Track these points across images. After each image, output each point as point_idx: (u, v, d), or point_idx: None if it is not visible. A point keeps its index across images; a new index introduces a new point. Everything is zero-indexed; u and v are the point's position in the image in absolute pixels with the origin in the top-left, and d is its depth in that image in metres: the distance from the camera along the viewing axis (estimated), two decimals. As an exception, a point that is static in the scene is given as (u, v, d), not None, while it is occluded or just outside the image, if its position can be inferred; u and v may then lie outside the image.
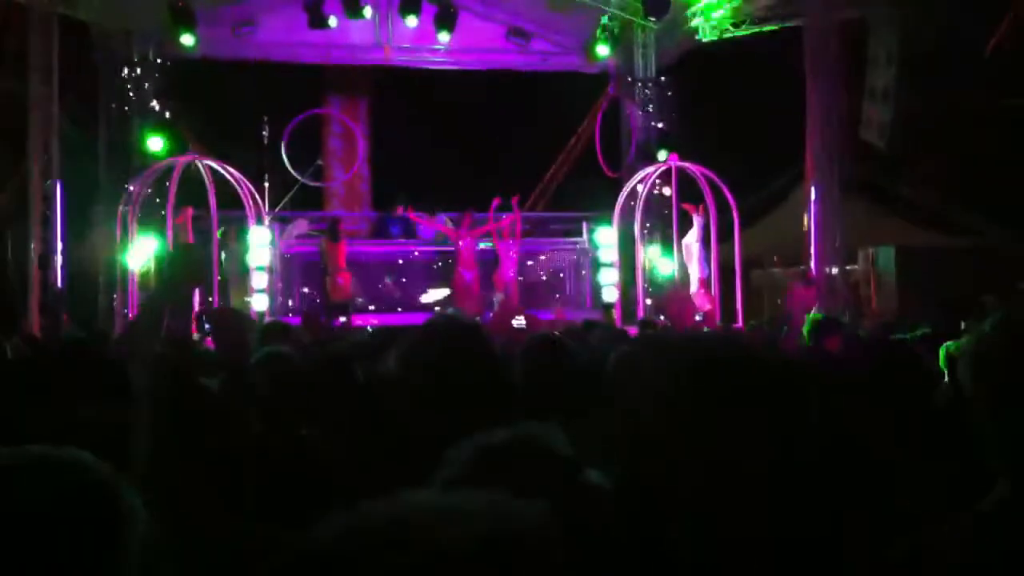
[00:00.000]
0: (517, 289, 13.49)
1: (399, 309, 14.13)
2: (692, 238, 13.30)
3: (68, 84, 13.61)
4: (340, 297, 13.11)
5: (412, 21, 14.88)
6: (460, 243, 13.43)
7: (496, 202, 13.60)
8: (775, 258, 14.45)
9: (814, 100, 13.94)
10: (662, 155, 14.27)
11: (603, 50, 15.44)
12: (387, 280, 14.60)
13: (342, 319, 12.63)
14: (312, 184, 15.79)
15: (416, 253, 15.15)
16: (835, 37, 14.10)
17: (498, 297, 13.29)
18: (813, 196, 13.04)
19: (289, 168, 14.82)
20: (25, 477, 1.33)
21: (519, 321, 12.13)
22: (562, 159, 17.33)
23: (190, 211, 13.30)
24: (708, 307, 12.83)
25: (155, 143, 14.71)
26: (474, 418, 2.33)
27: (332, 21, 14.76)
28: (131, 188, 13.62)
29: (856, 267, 13.31)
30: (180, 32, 14.01)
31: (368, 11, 14.84)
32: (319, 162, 15.94)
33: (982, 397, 2.19)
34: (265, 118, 14.86)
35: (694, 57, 15.63)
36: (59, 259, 12.96)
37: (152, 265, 13.75)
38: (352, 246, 14.22)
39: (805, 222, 12.83)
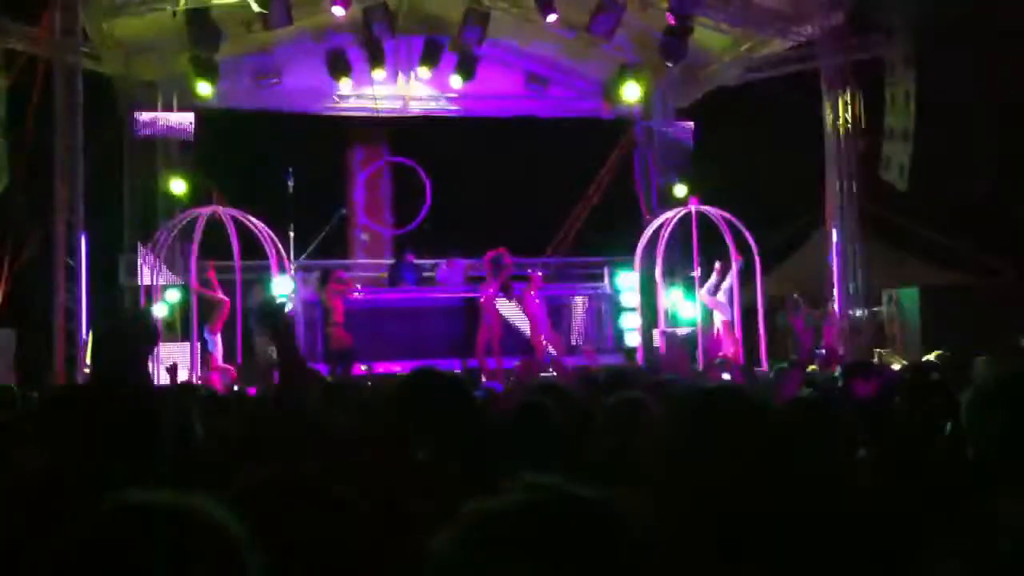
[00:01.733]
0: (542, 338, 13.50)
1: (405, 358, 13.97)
2: (713, 282, 13.34)
3: (93, 135, 13.79)
4: (339, 347, 13.11)
5: (426, 73, 15.11)
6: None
7: (490, 254, 13.63)
8: (796, 298, 14.41)
9: (832, 141, 14.03)
10: (680, 193, 14.35)
11: (631, 93, 15.54)
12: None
13: (340, 368, 12.68)
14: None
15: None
16: (851, 78, 14.22)
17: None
18: (834, 238, 13.07)
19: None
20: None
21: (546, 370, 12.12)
22: (583, 204, 17.40)
23: (212, 266, 13.43)
24: (732, 350, 12.81)
25: (178, 185, 14.92)
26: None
27: (351, 72, 14.99)
28: (156, 238, 13.77)
29: (881, 308, 13.28)
30: (198, 82, 14.17)
31: (388, 59, 15.05)
32: (343, 211, 16.07)
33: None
34: (290, 168, 15.02)
35: (712, 100, 15.75)
36: (83, 310, 13.04)
37: (177, 314, 13.90)
38: (373, 295, 14.36)
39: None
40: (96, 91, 14.13)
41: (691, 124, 15.76)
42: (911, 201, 14.22)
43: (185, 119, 14.96)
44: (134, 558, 1.34)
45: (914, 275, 14.31)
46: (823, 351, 12.19)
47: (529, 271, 14.00)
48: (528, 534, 1.28)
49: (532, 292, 13.49)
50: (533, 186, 16.62)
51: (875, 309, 13.27)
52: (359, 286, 14.57)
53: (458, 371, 9.67)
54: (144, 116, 14.87)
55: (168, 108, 15.14)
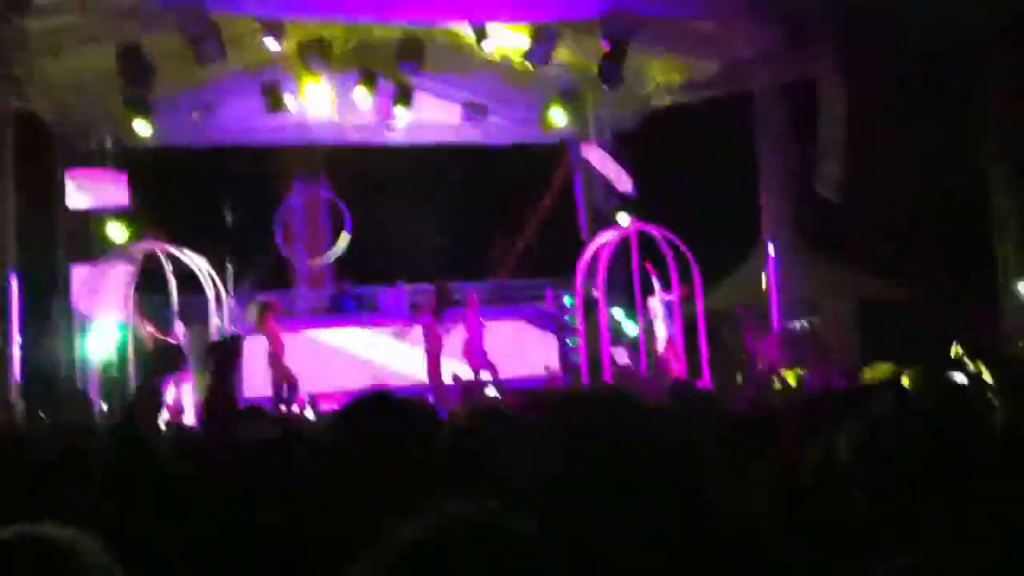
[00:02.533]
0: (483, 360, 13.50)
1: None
2: (658, 299, 13.43)
3: (24, 176, 13.57)
4: (281, 377, 12.97)
5: (365, 99, 15.08)
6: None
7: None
8: (740, 312, 14.49)
9: (765, 160, 14.20)
10: (622, 219, 14.42)
11: (558, 118, 15.70)
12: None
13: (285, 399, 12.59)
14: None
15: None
16: (782, 99, 14.42)
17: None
18: (771, 252, 13.19)
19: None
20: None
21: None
22: (524, 228, 17.45)
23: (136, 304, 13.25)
24: (676, 366, 12.84)
25: (116, 232, 14.70)
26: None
27: (287, 104, 14.93)
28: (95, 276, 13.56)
29: (816, 320, 13.39)
30: (134, 120, 14.03)
31: (324, 90, 15.04)
32: (277, 241, 15.99)
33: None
34: (228, 201, 14.90)
35: (648, 122, 15.88)
36: (16, 352, 12.77)
37: (115, 355, 13.65)
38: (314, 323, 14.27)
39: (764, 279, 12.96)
40: (27, 132, 13.93)
41: (626, 172, 15.75)
42: (849, 214, 14.38)
43: (120, 183, 14.62)
44: None
45: (852, 287, 14.45)
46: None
47: (467, 294, 14.04)
48: (439, 562, 1.29)
49: (470, 313, 13.52)
50: (474, 212, 16.67)
51: (811, 320, 13.37)
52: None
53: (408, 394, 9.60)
54: (76, 180, 14.52)
55: (101, 148, 14.93)
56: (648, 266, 13.43)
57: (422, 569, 1.28)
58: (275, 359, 13.09)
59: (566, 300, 14.39)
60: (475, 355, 13.46)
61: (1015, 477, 2.42)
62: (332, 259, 16.41)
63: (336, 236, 16.49)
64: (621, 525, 2.03)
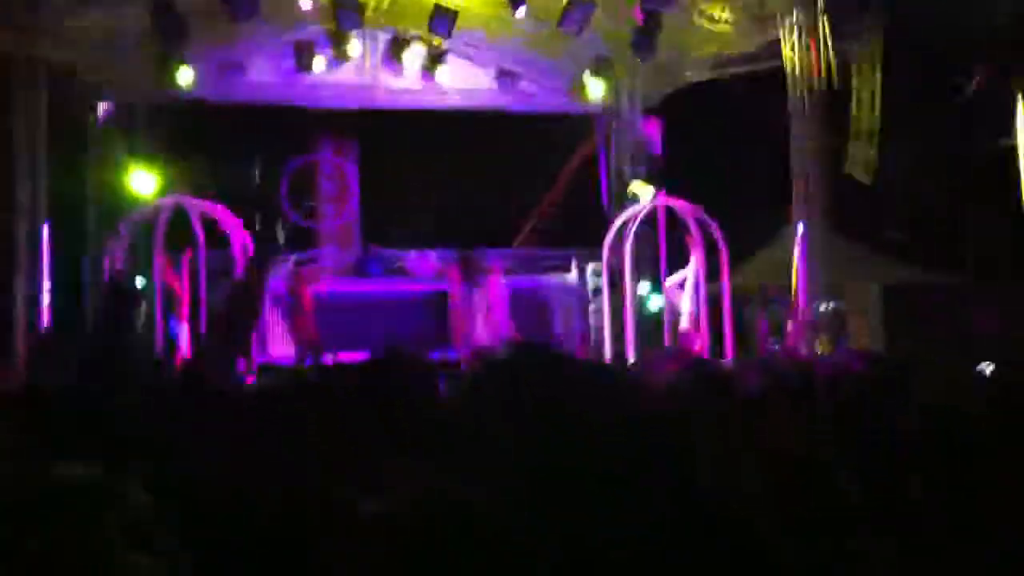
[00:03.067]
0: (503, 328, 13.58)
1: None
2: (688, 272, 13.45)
3: (56, 131, 13.64)
4: (307, 337, 13.16)
5: (396, 61, 15.03)
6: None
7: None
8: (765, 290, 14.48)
9: (797, 138, 14.12)
10: (648, 192, 14.40)
11: (594, 89, 15.62)
12: None
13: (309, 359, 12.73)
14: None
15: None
16: (817, 75, 14.29)
17: None
18: (799, 232, 13.16)
19: (289, 211, 14.84)
20: None
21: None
22: (550, 197, 17.43)
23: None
24: (698, 343, 12.85)
25: (144, 184, 14.74)
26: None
27: (319, 64, 14.91)
28: (119, 232, 13.63)
29: (842, 304, 13.37)
30: (173, 71, 14.03)
31: (356, 51, 15.01)
32: (311, 203, 16.02)
33: None
34: (256, 158, 14.93)
35: (681, 95, 15.79)
36: (45, 301, 12.91)
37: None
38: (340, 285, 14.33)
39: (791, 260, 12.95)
40: (57, 87, 13.97)
41: (656, 122, 15.76)
42: (878, 198, 14.33)
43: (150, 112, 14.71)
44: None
45: (877, 272, 14.41)
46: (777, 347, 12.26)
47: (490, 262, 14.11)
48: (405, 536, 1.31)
49: (492, 281, 13.61)
50: (501, 179, 16.65)
51: (836, 305, 13.35)
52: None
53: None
54: (106, 105, 14.63)
55: (132, 102, 14.94)
56: (688, 240, 13.37)
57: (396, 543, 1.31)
58: (300, 321, 13.24)
59: (591, 272, 14.40)
60: (495, 323, 13.52)
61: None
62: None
63: (364, 197, 16.52)
64: (602, 506, 2.03)
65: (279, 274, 14.50)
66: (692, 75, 15.35)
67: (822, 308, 12.81)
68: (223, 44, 15.10)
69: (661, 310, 13.91)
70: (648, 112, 16.13)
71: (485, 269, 13.84)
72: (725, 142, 15.35)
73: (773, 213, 15.10)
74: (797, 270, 13.03)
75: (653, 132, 15.62)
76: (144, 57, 14.29)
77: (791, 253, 13.26)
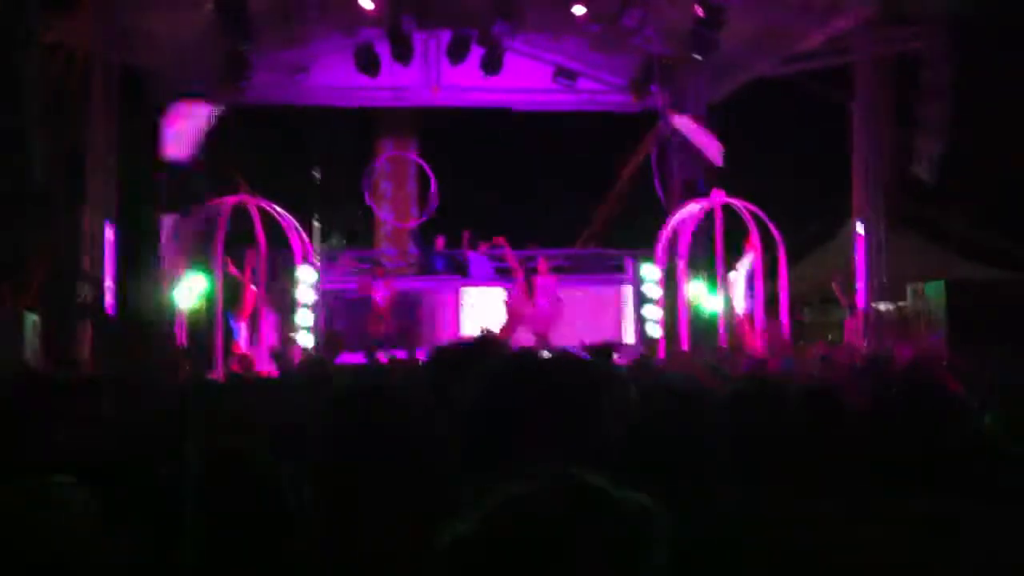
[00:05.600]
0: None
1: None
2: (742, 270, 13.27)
3: (125, 128, 13.99)
4: (378, 335, 13.32)
5: (454, 65, 15.12)
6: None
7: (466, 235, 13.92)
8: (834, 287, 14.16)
9: (861, 134, 13.82)
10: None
11: (652, 87, 15.50)
12: None
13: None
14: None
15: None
16: (884, 71, 13.99)
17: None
18: (860, 231, 12.87)
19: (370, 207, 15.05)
20: None
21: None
22: (609, 197, 17.31)
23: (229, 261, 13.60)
24: (755, 342, 12.64)
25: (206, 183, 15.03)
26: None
27: (380, 65, 15.05)
28: (182, 228, 13.91)
29: (906, 303, 13.01)
30: (231, 75, 14.31)
31: (416, 52, 15.13)
32: (371, 202, 16.21)
33: None
34: (317, 159, 15.14)
35: (742, 93, 15.57)
36: (109, 299, 13.24)
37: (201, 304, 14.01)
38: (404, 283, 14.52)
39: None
40: (128, 84, 14.33)
41: (716, 144, 15.43)
42: (942, 194, 13.95)
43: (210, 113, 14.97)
44: None
45: (942, 269, 14.01)
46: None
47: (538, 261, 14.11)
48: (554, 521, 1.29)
49: (540, 280, 13.62)
50: (559, 179, 16.63)
51: (900, 304, 13.00)
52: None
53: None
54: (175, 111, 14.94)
55: (198, 101, 15.22)
56: (750, 244, 13.18)
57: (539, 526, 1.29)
58: (375, 318, 13.49)
59: (647, 271, 14.25)
60: (542, 322, 13.51)
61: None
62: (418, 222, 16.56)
63: (423, 198, 16.63)
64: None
65: (345, 274, 14.72)
66: (753, 72, 15.11)
67: (883, 307, 12.48)
68: (286, 46, 15.35)
69: (717, 311, 13.70)
70: (711, 109, 15.92)
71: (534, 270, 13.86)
72: (790, 138, 15.08)
73: (832, 210, 14.80)
74: (856, 268, 12.75)
75: (708, 137, 15.38)
76: (212, 59, 14.54)
77: (850, 251, 12.98)
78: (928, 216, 14.45)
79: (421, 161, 16.70)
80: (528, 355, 2.63)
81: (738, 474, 2.52)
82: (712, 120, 15.81)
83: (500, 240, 14.23)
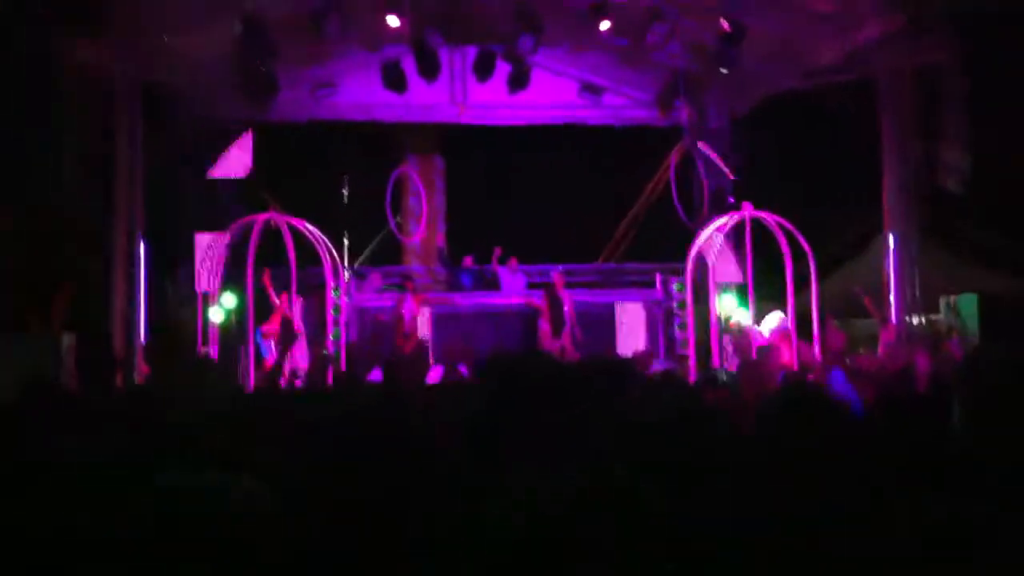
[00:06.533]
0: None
1: None
2: None
3: (153, 147, 14.09)
4: (409, 353, 13.43)
5: (479, 82, 15.18)
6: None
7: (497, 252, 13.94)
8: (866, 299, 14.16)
9: (889, 147, 13.83)
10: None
11: (677, 102, 15.56)
12: None
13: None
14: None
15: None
16: (908, 83, 14.00)
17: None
18: (891, 244, 12.87)
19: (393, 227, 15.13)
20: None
21: None
22: (635, 212, 17.35)
23: (267, 272, 13.65)
24: (788, 355, 12.62)
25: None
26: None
27: (406, 81, 15.11)
28: (212, 245, 13.97)
29: (939, 316, 13.00)
30: (255, 93, 14.39)
31: (442, 68, 15.19)
32: (397, 219, 16.24)
33: None
34: (344, 177, 15.21)
35: (767, 107, 15.60)
36: (142, 314, 13.31)
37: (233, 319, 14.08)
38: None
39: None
40: (156, 104, 14.43)
41: (730, 174, 15.47)
42: (973, 204, 13.92)
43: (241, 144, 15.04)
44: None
45: (975, 281, 13.99)
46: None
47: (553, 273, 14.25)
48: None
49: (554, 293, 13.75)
50: (586, 194, 16.65)
51: (932, 317, 13.00)
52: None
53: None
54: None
55: (223, 119, 15.30)
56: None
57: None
58: (401, 333, 13.60)
59: (676, 287, 14.29)
60: (556, 335, 13.68)
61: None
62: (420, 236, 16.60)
63: (453, 214, 16.69)
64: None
65: (375, 291, 14.77)
66: (777, 85, 15.14)
67: (915, 321, 12.48)
68: (312, 64, 15.44)
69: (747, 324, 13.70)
70: (733, 123, 15.97)
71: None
72: (815, 152, 15.07)
73: (863, 223, 14.79)
74: (888, 281, 12.74)
75: (738, 143, 15.44)
76: (236, 76, 14.62)
77: (881, 264, 12.97)
78: (957, 228, 14.42)
79: (414, 172, 16.71)
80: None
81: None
82: (736, 134, 15.86)
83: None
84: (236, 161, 14.97)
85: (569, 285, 14.19)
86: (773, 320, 12.53)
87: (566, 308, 13.85)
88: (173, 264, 14.82)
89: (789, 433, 2.69)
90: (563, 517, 1.41)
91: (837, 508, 2.27)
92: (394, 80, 15.40)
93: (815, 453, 2.62)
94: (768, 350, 10.62)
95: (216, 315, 13.57)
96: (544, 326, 13.74)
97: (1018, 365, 2.52)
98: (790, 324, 12.86)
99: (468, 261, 15.46)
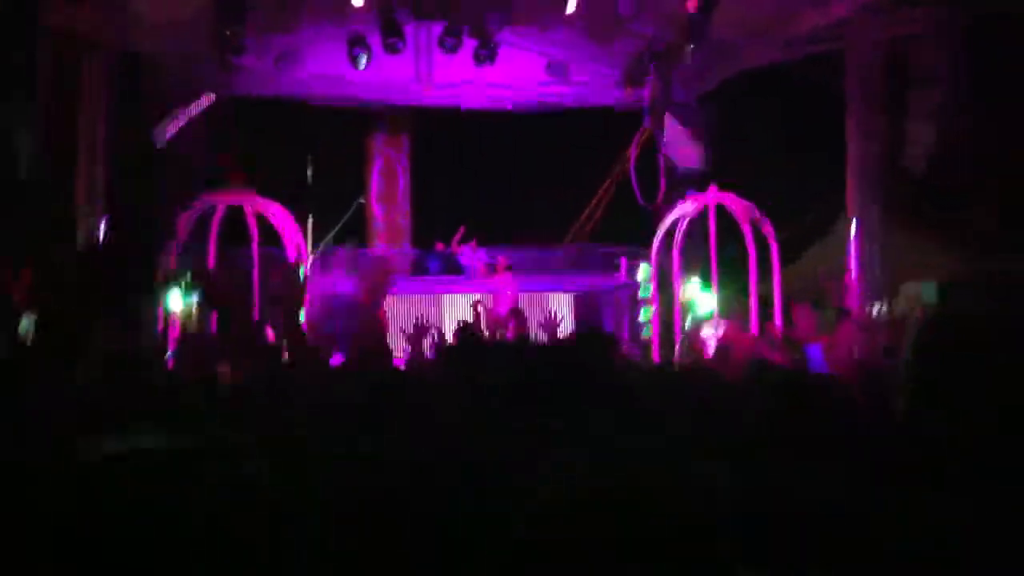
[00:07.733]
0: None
1: None
2: None
3: (120, 120, 13.87)
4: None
5: (445, 58, 14.91)
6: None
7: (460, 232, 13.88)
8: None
9: (855, 125, 13.60)
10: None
11: (644, 76, 15.29)
12: None
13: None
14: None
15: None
16: (879, 58, 13.71)
17: None
18: (854, 229, 12.73)
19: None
20: None
21: None
22: (601, 194, 17.18)
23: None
24: (745, 343, 12.56)
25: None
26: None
27: (370, 58, 14.82)
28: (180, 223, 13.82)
29: (896, 303, 12.88)
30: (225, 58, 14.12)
31: (408, 44, 14.92)
32: (361, 199, 16.10)
33: None
34: (308, 156, 15.03)
35: (733, 83, 15.33)
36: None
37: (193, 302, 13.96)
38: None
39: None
40: (123, 72, 14.13)
41: (694, 106, 15.25)
42: (943, 186, 13.75)
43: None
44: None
45: (942, 266, 13.86)
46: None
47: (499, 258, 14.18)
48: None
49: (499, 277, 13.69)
50: (552, 175, 16.50)
51: (892, 305, 12.89)
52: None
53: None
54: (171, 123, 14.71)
55: (192, 88, 15.00)
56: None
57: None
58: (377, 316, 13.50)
59: (641, 270, 14.20)
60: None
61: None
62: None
63: (416, 195, 16.53)
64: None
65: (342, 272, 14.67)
66: (748, 61, 14.84)
67: (875, 309, 12.37)
68: (279, 31, 15.03)
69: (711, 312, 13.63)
70: (703, 99, 15.71)
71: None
72: (780, 131, 14.86)
73: (828, 205, 14.64)
74: (851, 267, 12.64)
75: (695, 120, 15.17)
76: (206, 44, 14.31)
77: (846, 248, 12.86)
78: (923, 209, 14.26)
79: (391, 159, 16.51)
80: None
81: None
82: (703, 111, 15.59)
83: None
84: (200, 135, 14.81)
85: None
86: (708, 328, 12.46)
87: (510, 291, 13.74)
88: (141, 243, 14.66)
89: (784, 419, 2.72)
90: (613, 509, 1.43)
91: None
92: (357, 56, 15.10)
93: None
94: (727, 348, 10.56)
95: (177, 294, 13.46)
96: (495, 308, 13.59)
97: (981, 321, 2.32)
98: (753, 311, 12.82)
99: (439, 246, 15.36)
